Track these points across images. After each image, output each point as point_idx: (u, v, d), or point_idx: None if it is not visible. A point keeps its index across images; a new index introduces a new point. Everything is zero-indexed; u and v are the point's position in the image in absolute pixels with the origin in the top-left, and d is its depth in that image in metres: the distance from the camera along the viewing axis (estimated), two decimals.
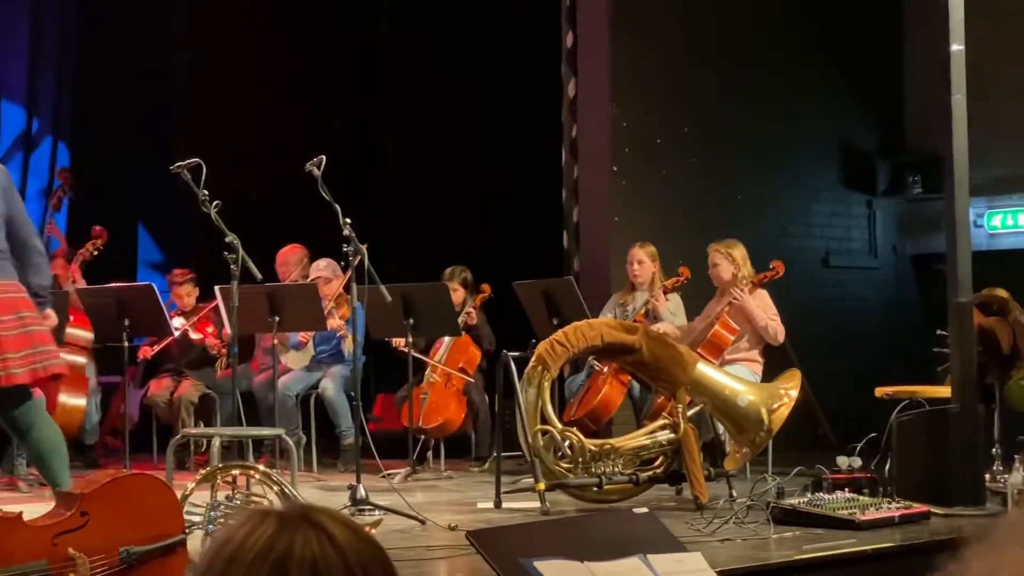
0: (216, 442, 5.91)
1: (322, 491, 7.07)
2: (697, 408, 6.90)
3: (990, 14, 9.36)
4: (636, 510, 4.60)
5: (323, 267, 8.66)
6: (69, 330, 8.24)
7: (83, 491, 4.36)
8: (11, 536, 4.24)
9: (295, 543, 1.45)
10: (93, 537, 4.35)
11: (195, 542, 4.67)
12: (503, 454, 7.24)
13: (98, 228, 9.47)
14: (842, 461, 6.66)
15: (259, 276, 6.59)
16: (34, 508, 4.66)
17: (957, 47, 6.31)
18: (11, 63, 11.28)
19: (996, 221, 10.55)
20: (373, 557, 1.51)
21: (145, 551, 4.34)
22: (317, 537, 1.47)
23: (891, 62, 11.07)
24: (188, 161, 6.14)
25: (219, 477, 4.84)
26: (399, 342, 8.47)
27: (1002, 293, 7.27)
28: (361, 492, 6.33)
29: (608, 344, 6.87)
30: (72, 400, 8.74)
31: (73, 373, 8.73)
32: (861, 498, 6.15)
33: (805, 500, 5.99)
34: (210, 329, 9.08)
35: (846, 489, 6.29)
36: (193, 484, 4.85)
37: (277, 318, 7.89)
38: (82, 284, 9.01)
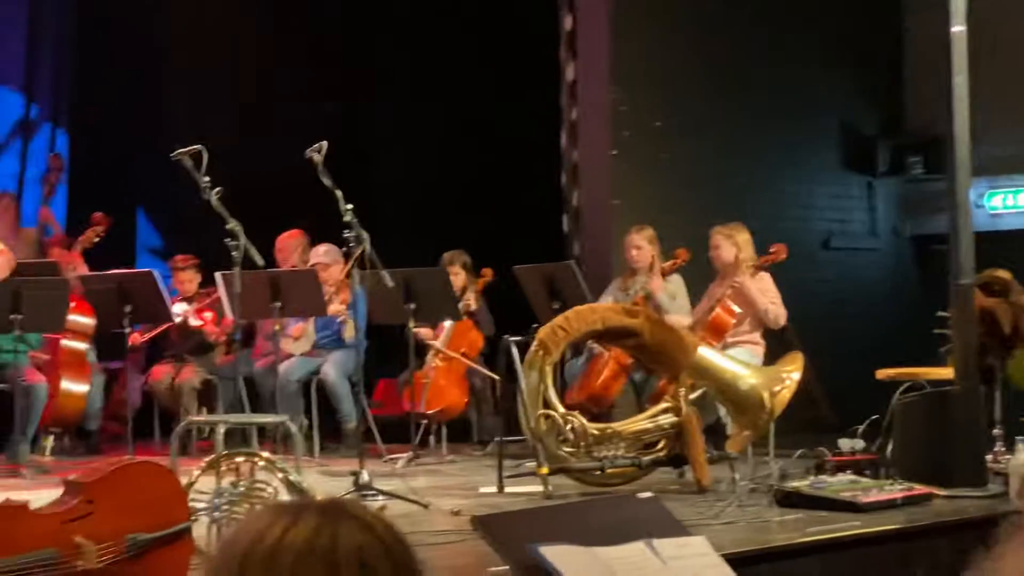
0: (220, 430, 5.93)
1: (325, 476, 7.09)
2: (699, 391, 6.94)
3: None
4: (640, 495, 4.59)
5: (323, 253, 8.68)
6: (71, 316, 8.26)
7: (88, 479, 4.38)
8: (18, 525, 4.25)
9: (339, 535, 1.44)
10: (99, 525, 4.33)
11: (200, 529, 4.66)
12: (505, 438, 7.28)
13: (99, 215, 9.48)
14: (844, 443, 6.71)
15: (261, 262, 6.60)
16: (39, 496, 4.68)
17: (959, 28, 6.31)
18: (9, 49, 11.27)
19: (997, 201, 10.58)
20: (405, 547, 1.51)
21: (151, 539, 4.35)
22: (359, 529, 1.47)
23: (891, 43, 11.09)
24: (189, 148, 6.16)
25: (224, 464, 4.87)
26: (425, 333, 8.62)
27: (1004, 274, 7.29)
28: (364, 477, 6.35)
29: (610, 328, 6.90)
30: (74, 386, 8.77)
31: (75, 359, 8.79)
32: (864, 480, 6.17)
33: (808, 483, 6.02)
34: (209, 316, 9.11)
35: (848, 471, 6.32)
36: (198, 472, 4.88)
37: (278, 304, 7.93)
38: (84, 270, 9.04)
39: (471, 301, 8.85)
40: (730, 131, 9.88)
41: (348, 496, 5.68)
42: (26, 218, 10.57)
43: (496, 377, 8.36)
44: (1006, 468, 6.04)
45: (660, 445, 6.87)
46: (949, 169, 6.48)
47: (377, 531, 1.47)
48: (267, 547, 1.43)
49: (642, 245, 8.44)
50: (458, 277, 8.78)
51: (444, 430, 8.75)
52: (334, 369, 8.69)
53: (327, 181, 6.33)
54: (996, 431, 6.79)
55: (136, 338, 9.03)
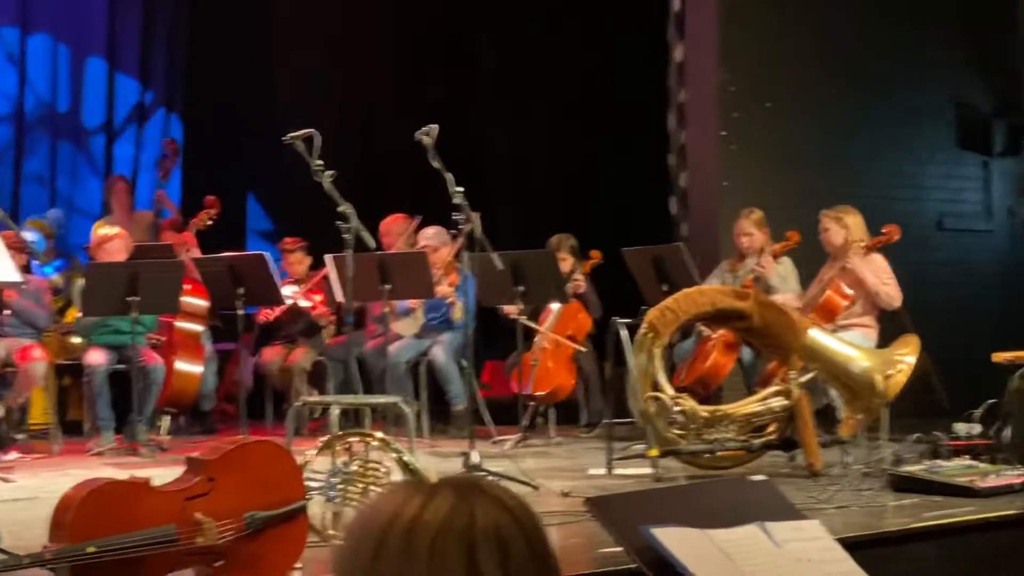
0: (335, 410, 6.00)
1: (435, 457, 7.14)
2: (810, 374, 6.83)
3: None
4: (753, 477, 4.56)
5: (431, 235, 8.74)
6: (185, 299, 8.39)
7: (209, 457, 4.43)
8: (141, 501, 4.31)
9: (476, 514, 1.44)
10: (219, 502, 4.38)
11: (315, 508, 4.74)
12: (614, 420, 7.27)
13: (211, 198, 9.63)
14: (960, 427, 6.61)
15: (373, 244, 6.65)
16: (160, 473, 4.77)
17: None
18: (125, 37, 11.54)
19: None
20: (539, 526, 1.50)
21: (269, 516, 4.37)
22: (495, 507, 1.47)
23: (1007, 19, 10.84)
24: (301, 132, 6.23)
25: (338, 444, 4.92)
26: (509, 309, 8.50)
27: None
28: (474, 458, 6.38)
29: (719, 311, 6.84)
30: (189, 367, 8.91)
31: (190, 341, 8.95)
32: (980, 465, 6.07)
33: (923, 467, 5.95)
34: (319, 297, 9.24)
35: (965, 456, 6.25)
36: (314, 451, 4.93)
37: (388, 286, 7.99)
38: (197, 253, 9.18)
39: (579, 283, 8.83)
40: (841, 110, 9.72)
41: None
42: (141, 201, 10.82)
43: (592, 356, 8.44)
44: None
45: (770, 428, 6.80)
46: None
47: (513, 510, 1.47)
48: (405, 524, 1.43)
49: (752, 231, 8.35)
50: (566, 261, 8.74)
51: (552, 412, 8.75)
52: (443, 350, 8.75)
53: (437, 164, 6.35)
54: None
55: (267, 314, 9.24)
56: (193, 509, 4.31)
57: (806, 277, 8.47)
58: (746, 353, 8.17)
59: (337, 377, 8.94)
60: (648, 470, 6.39)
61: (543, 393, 8.56)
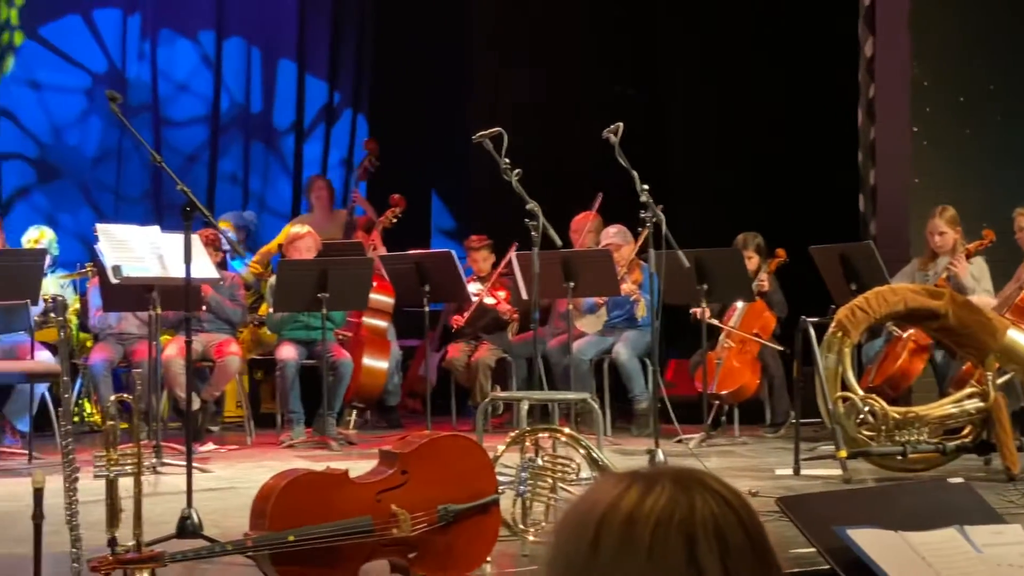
0: (524, 406, 6.08)
1: (619, 455, 7.21)
2: (1007, 376, 6.71)
3: None
4: (951, 479, 4.47)
5: (614, 233, 8.82)
6: (372, 295, 8.66)
7: (402, 451, 4.54)
8: (340, 492, 4.53)
9: (695, 505, 1.42)
10: (413, 494, 4.55)
11: (506, 503, 4.80)
12: (801, 420, 7.29)
13: (396, 196, 9.86)
14: None
15: (559, 242, 6.74)
16: (351, 466, 4.92)
17: None
18: (314, 39, 11.99)
19: None
20: (757, 520, 1.46)
21: (462, 509, 4.53)
22: (714, 499, 1.44)
23: None
24: (490, 131, 6.35)
25: (527, 439, 5.00)
26: (698, 312, 8.55)
27: None
28: (659, 456, 6.42)
29: (912, 310, 6.75)
30: (376, 363, 9.16)
31: (376, 337, 9.20)
32: None
33: None
34: (503, 295, 9.42)
35: None
36: (503, 446, 5.02)
37: (572, 283, 8.09)
38: (383, 251, 9.45)
39: (764, 282, 8.81)
40: None
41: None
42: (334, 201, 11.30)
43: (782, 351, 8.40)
44: None
45: (965, 431, 6.71)
46: None
47: (732, 503, 1.44)
48: (624, 514, 1.42)
49: (945, 230, 8.16)
50: (752, 260, 8.72)
51: (736, 411, 8.77)
52: (626, 348, 8.85)
53: (624, 161, 6.40)
54: None
55: (458, 320, 9.43)
56: (388, 501, 4.50)
57: (1000, 277, 8.25)
58: (938, 354, 8.02)
59: (520, 374, 9.06)
60: (836, 471, 6.36)
61: (727, 392, 8.57)
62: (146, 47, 11.40)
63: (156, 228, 7.49)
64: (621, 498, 1.44)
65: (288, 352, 8.36)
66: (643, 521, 1.41)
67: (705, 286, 7.97)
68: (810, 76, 10.71)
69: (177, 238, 6.25)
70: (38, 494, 4.05)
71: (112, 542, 4.37)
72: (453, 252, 8.76)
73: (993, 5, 9.78)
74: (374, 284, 8.57)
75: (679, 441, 7.68)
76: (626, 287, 8.46)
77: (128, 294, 7.53)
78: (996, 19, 9.84)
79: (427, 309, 8.36)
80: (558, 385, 8.65)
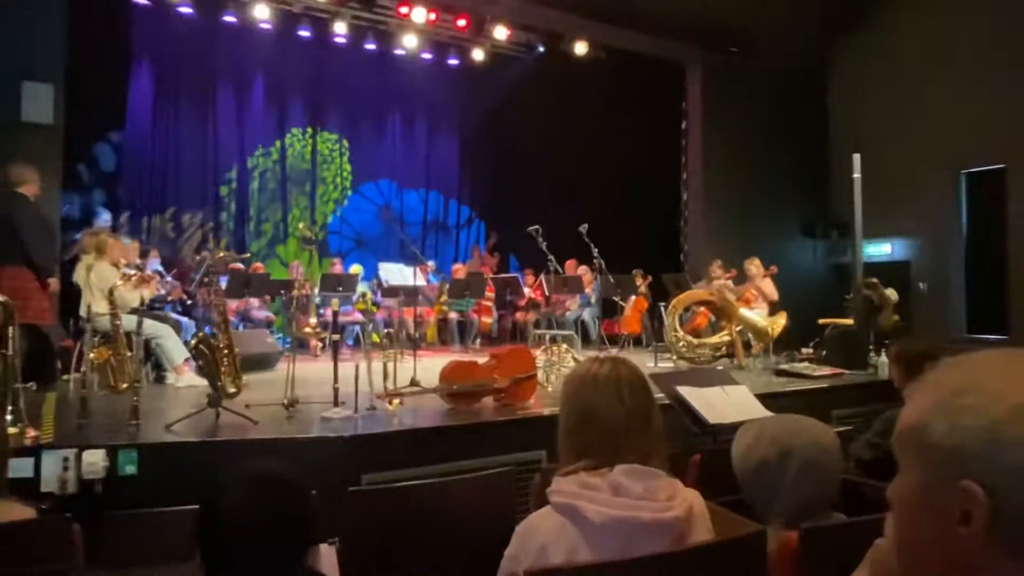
0: (547, 334, 11.20)
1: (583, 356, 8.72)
2: (740, 327, 11.01)
3: None
4: (717, 367, 7.45)
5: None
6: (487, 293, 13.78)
7: (498, 353, 7.65)
8: (473, 368, 7.50)
9: (620, 371, 2.81)
10: (503, 370, 7.52)
11: (541, 375, 8.03)
12: (657, 344, 11.41)
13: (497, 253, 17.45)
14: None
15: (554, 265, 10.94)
16: (479, 358, 8.19)
17: None
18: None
19: None
20: (644, 377, 2.86)
21: (523, 376, 7.54)
22: (627, 367, 2.84)
23: None
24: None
25: (548, 349, 9.83)
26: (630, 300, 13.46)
27: None
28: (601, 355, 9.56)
29: (701, 300, 11.12)
30: (488, 319, 16.21)
31: (488, 306, 15.46)
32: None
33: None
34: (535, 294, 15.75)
35: None
36: (539, 351, 9.43)
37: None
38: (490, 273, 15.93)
39: (643, 291, 13.98)
40: None
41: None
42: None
43: None
44: None
45: (722, 349, 10.84)
46: None
47: (635, 370, 2.87)
48: (592, 374, 2.81)
49: (718, 271, 13.31)
50: (642, 281, 14.44)
51: (631, 340, 13.14)
52: (581, 311, 14.67)
53: None
54: None
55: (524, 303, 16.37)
56: (493, 372, 7.45)
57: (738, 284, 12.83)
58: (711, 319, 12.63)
59: (544, 325, 14.64)
60: (671, 365, 10.08)
61: (628, 332, 13.55)
62: None
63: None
64: (589, 368, 2.81)
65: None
66: (598, 376, 2.78)
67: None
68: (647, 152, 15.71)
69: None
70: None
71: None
72: (518, 275, 14.93)
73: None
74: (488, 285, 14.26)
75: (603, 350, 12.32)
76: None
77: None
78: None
79: (508, 298, 14.55)
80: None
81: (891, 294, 11.85)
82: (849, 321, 11.75)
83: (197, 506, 2.46)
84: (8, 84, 10.03)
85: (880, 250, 16.95)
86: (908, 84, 16.45)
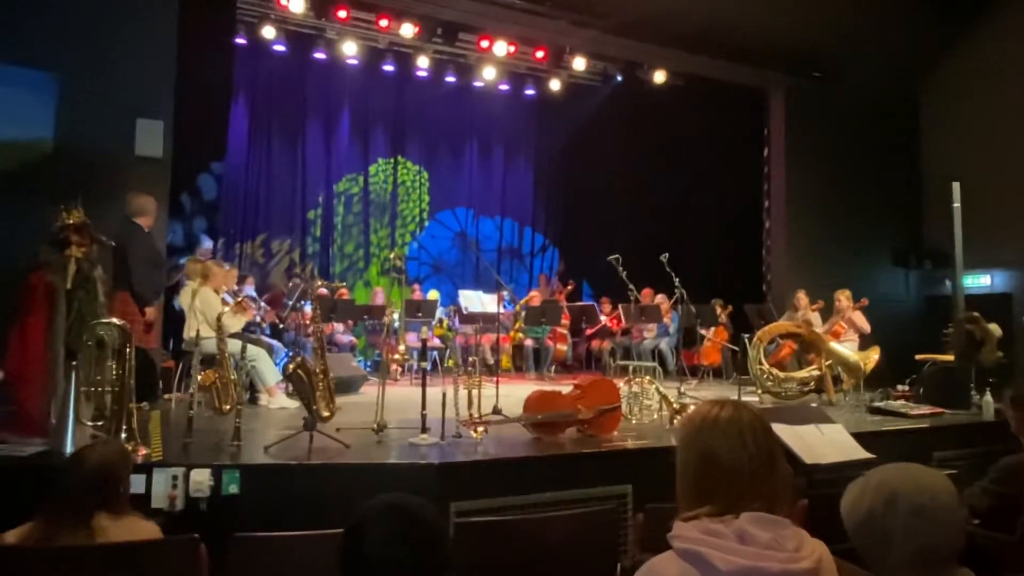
0: (631, 365, 11.28)
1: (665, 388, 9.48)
2: (829, 362, 10.50)
3: None
4: (810, 404, 7.11)
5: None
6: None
7: (582, 383, 7.69)
8: (557, 398, 7.58)
9: (742, 414, 2.72)
10: (586, 401, 7.57)
11: (624, 407, 8.21)
12: (741, 377, 11.11)
13: (571, 281, 17.90)
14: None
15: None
16: (562, 387, 8.14)
17: None
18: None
19: None
20: (763, 419, 2.76)
21: (606, 408, 7.59)
22: (747, 411, 2.76)
23: None
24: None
25: (631, 380, 9.99)
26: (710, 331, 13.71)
27: None
28: (683, 388, 9.57)
29: (787, 332, 11.17)
30: (563, 346, 16.38)
31: (563, 335, 16.16)
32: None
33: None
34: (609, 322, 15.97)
35: None
36: (622, 383, 9.82)
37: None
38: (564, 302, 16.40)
39: (723, 321, 14.17)
40: None
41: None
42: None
43: None
44: None
45: (810, 384, 10.51)
46: None
47: (755, 412, 2.75)
48: (712, 417, 2.73)
49: (802, 299, 13.26)
50: (723, 311, 14.45)
51: (711, 372, 13.59)
52: (660, 341, 14.89)
53: None
54: None
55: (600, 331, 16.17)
56: (577, 402, 7.52)
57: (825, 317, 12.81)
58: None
59: (621, 356, 14.97)
60: (756, 399, 9.80)
61: (708, 362, 13.41)
62: None
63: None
64: (709, 411, 2.76)
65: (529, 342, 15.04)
66: (719, 419, 2.71)
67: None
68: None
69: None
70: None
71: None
72: (594, 304, 15.20)
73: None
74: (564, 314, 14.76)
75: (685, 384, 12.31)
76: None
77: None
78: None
79: (583, 326, 14.54)
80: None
81: (995, 329, 11.44)
82: (949, 357, 11.29)
83: (321, 531, 2.50)
84: (124, 120, 10.66)
85: (979, 281, 16.54)
86: (1009, 109, 16.25)
